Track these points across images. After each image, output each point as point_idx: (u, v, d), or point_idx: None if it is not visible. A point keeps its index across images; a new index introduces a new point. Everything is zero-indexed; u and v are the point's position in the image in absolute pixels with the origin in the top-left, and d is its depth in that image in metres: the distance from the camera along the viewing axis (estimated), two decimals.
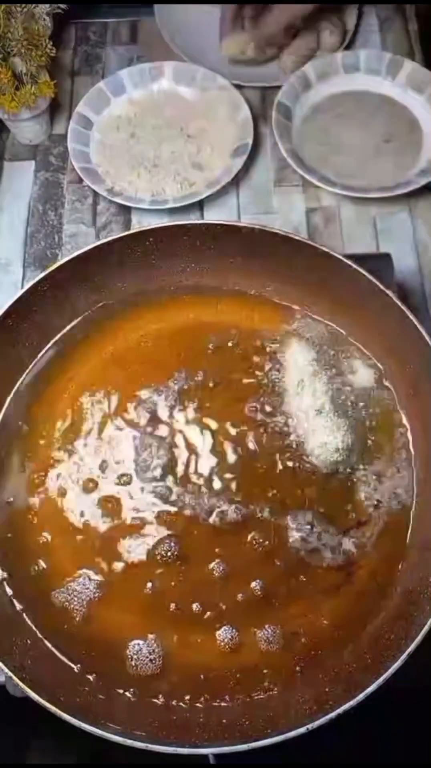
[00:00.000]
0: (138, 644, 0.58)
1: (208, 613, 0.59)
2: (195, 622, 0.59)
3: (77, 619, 0.59)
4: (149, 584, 0.60)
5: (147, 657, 0.58)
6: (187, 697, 0.57)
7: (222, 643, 0.58)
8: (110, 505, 0.63)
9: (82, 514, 0.63)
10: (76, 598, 0.60)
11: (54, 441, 0.65)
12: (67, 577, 0.61)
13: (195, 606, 0.59)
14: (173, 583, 0.60)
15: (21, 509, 0.63)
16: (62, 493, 0.64)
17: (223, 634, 0.59)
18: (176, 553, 0.60)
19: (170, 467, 0.64)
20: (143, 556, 0.61)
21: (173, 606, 0.59)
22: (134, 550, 0.61)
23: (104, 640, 0.59)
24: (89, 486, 0.63)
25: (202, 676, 0.57)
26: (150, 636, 0.58)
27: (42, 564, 0.61)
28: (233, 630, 0.59)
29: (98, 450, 0.65)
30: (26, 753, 0.76)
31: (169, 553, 0.60)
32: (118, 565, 0.61)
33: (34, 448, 0.65)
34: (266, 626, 0.59)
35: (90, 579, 0.60)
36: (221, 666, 0.58)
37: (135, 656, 0.58)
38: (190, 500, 0.62)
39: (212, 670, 0.58)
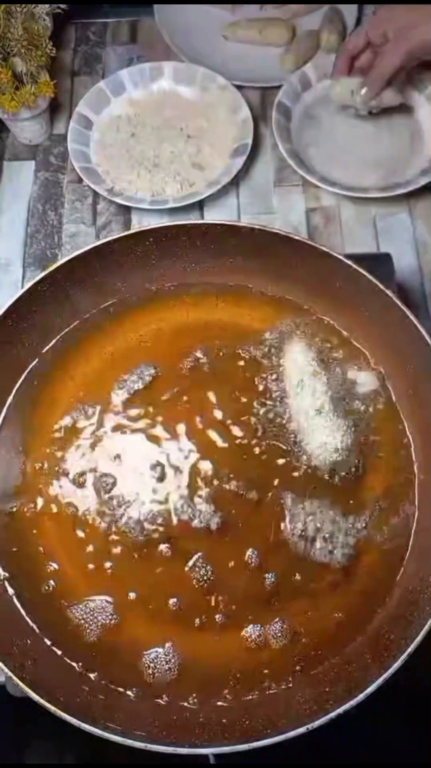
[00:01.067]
0: (157, 651, 0.58)
1: (223, 617, 0.59)
2: (208, 626, 0.59)
3: (89, 632, 0.59)
4: (173, 600, 0.60)
5: (165, 665, 0.58)
6: (189, 697, 0.57)
7: (236, 643, 0.58)
8: (119, 520, 0.62)
9: (86, 527, 0.62)
10: (90, 617, 0.59)
11: (55, 443, 0.65)
12: (81, 596, 0.60)
13: (219, 617, 0.59)
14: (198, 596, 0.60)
15: (24, 518, 0.63)
16: (64, 502, 0.63)
17: (235, 633, 0.59)
18: (211, 577, 0.60)
19: (169, 470, 0.64)
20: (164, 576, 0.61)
21: (197, 621, 0.59)
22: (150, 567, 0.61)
23: (109, 640, 0.59)
24: (92, 494, 0.63)
25: (207, 677, 0.57)
26: (168, 644, 0.59)
27: (52, 583, 0.61)
28: (242, 630, 0.59)
29: (99, 455, 0.65)
30: (26, 753, 0.76)
31: (205, 577, 0.60)
32: (132, 595, 0.60)
33: (35, 450, 0.65)
34: (272, 624, 0.59)
35: (108, 602, 0.60)
36: (224, 666, 0.58)
37: (152, 664, 0.58)
38: (196, 507, 0.62)
39: (216, 671, 0.58)
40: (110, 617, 0.59)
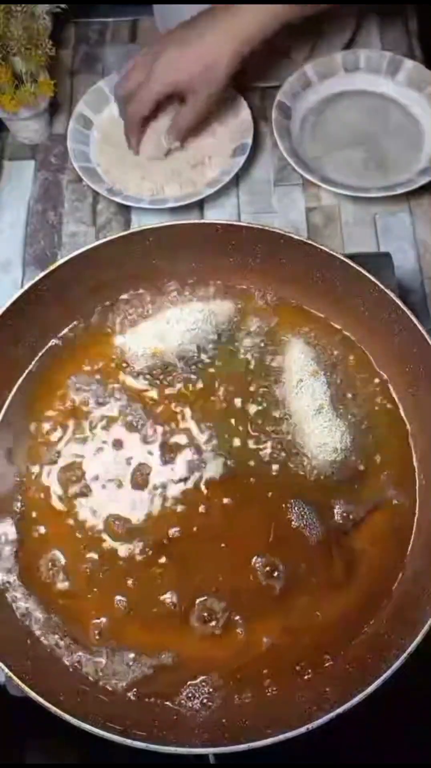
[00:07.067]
0: (157, 653, 0.58)
1: (222, 618, 0.59)
2: (208, 627, 0.59)
3: (89, 632, 0.59)
4: (173, 601, 0.60)
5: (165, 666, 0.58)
6: (189, 698, 0.57)
7: (236, 643, 0.58)
8: (118, 523, 0.62)
9: (91, 529, 0.62)
10: (90, 617, 0.59)
11: (55, 444, 0.65)
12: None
13: (218, 618, 0.59)
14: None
15: (20, 519, 0.63)
16: (64, 503, 0.63)
17: (234, 634, 0.59)
18: (210, 578, 0.60)
19: (169, 468, 0.64)
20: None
21: (197, 622, 0.59)
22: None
23: (109, 641, 0.59)
24: (95, 497, 0.63)
25: (207, 676, 0.57)
26: (168, 646, 0.58)
27: (50, 587, 0.60)
28: (241, 631, 0.59)
29: (100, 456, 0.64)
30: (26, 753, 0.76)
31: (205, 579, 0.60)
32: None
33: (35, 451, 0.65)
34: (272, 624, 0.59)
35: (108, 603, 0.60)
36: (224, 667, 0.58)
37: (152, 665, 0.58)
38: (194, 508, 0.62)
39: (216, 670, 0.57)
40: (109, 618, 0.59)
